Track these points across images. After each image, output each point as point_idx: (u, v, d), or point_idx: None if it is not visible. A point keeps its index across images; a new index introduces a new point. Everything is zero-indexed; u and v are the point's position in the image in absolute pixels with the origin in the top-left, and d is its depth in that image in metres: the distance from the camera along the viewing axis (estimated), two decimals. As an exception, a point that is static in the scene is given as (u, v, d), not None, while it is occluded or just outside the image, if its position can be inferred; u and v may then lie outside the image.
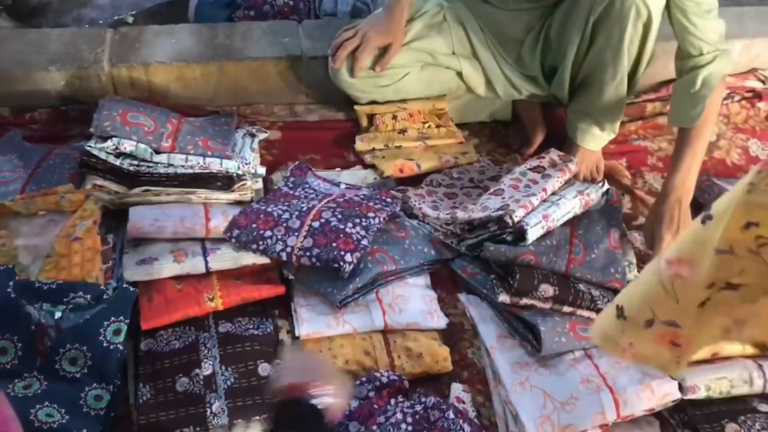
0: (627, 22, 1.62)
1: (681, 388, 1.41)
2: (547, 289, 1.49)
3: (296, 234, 1.53)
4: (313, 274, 1.54)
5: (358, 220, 1.57)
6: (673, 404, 1.41)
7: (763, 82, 2.29)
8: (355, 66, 1.84)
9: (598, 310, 1.51)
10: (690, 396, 1.41)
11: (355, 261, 1.50)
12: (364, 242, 1.54)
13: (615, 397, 1.38)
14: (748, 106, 2.25)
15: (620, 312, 1.03)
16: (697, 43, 1.62)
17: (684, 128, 1.66)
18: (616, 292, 1.56)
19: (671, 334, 1.00)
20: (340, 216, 1.57)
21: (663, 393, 1.40)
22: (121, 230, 1.57)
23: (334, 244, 1.51)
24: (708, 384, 1.41)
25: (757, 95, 2.27)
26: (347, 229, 1.54)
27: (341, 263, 1.49)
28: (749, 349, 1.49)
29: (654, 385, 1.40)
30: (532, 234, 1.57)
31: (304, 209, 1.59)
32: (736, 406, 1.41)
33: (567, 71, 1.80)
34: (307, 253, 1.50)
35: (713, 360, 1.48)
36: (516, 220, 1.58)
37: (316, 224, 1.55)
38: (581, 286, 1.53)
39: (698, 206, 1.88)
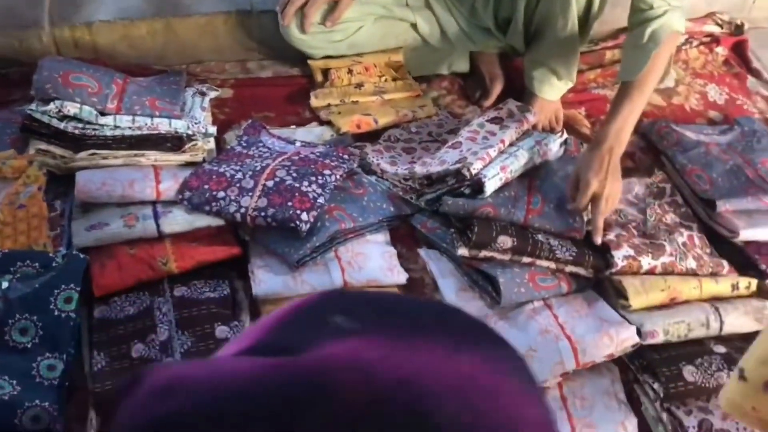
0: None
1: (640, 333, 1.42)
2: (506, 241, 1.48)
3: (250, 194, 1.49)
4: (269, 235, 1.51)
5: (314, 178, 1.54)
6: (633, 349, 1.42)
7: (720, 26, 2.29)
8: (305, 22, 1.79)
9: (557, 260, 1.50)
10: (649, 341, 1.42)
11: (311, 220, 1.47)
12: (321, 200, 1.51)
13: (573, 346, 1.39)
14: (707, 51, 2.24)
15: (741, 373, 1.01)
16: None
17: (626, 83, 1.64)
18: (575, 241, 1.56)
19: None
20: (295, 174, 1.54)
21: (622, 339, 1.41)
22: (69, 196, 1.53)
23: (289, 203, 1.48)
24: (666, 328, 1.43)
25: (715, 40, 2.26)
26: (303, 188, 1.51)
27: (298, 222, 1.46)
28: (706, 293, 1.51)
29: (612, 331, 1.41)
30: (490, 186, 1.55)
31: (258, 168, 1.55)
32: (693, 348, 1.43)
33: (519, 22, 1.77)
34: (262, 213, 1.47)
35: (671, 304, 1.49)
36: (474, 172, 1.56)
37: (270, 183, 1.51)
38: (540, 237, 1.53)
39: (656, 152, 1.89)
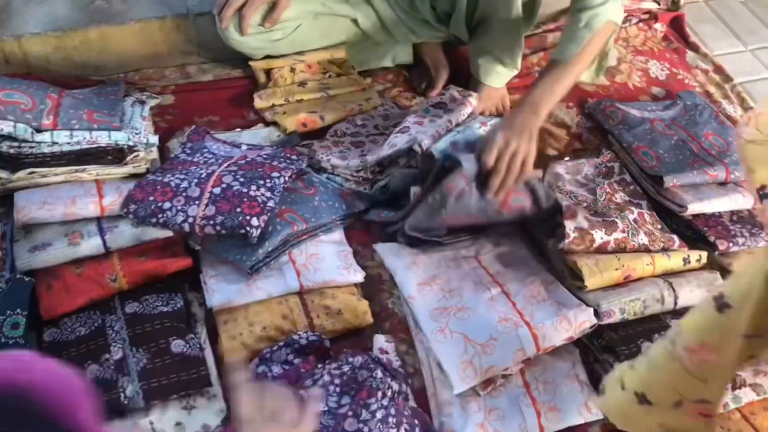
0: None
1: (597, 314, 1.43)
2: (459, 180, 1.49)
3: (197, 203, 1.46)
4: (220, 243, 1.48)
5: (262, 182, 1.52)
6: (591, 330, 1.44)
7: (658, 2, 2.32)
8: (242, 23, 1.75)
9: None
10: (606, 320, 1.43)
11: (262, 224, 1.45)
12: (271, 204, 1.49)
13: (533, 332, 1.39)
14: (646, 29, 2.27)
15: (642, 398, 1.09)
16: None
17: (556, 61, 1.65)
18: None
19: (702, 408, 1.07)
20: (242, 179, 1.51)
21: (580, 321, 1.42)
22: (9, 217, 1.47)
23: (238, 209, 1.45)
24: (622, 307, 1.44)
25: (653, 16, 2.29)
26: (251, 192, 1.48)
27: (248, 228, 1.43)
28: (659, 269, 1.53)
29: (570, 314, 1.42)
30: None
31: (204, 176, 1.52)
32: (650, 324, 1.45)
33: (462, 12, 1.77)
34: (211, 222, 1.44)
35: (626, 282, 1.50)
36: (425, 147, 1.56)
37: (217, 190, 1.48)
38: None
39: (603, 132, 1.91)
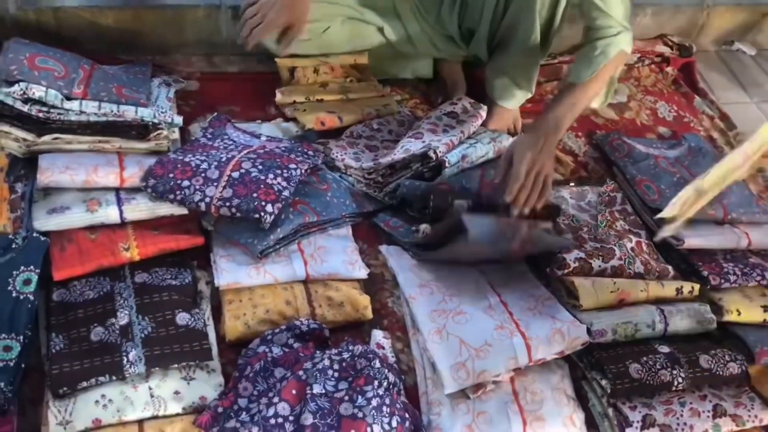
0: None
1: (589, 332, 1.48)
2: (462, 204, 1.56)
3: (215, 184, 1.50)
4: (232, 225, 1.52)
5: (279, 171, 1.56)
6: (582, 347, 1.48)
7: (671, 47, 2.39)
8: (249, 43, 1.71)
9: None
10: (598, 339, 1.48)
11: (276, 212, 1.49)
12: (286, 193, 1.53)
13: (527, 342, 1.44)
14: (657, 71, 2.35)
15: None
16: (604, 18, 1.67)
17: (572, 84, 1.71)
18: None
19: None
20: (260, 167, 1.56)
21: (573, 337, 1.46)
22: (30, 179, 1.51)
23: (254, 195, 1.49)
24: (614, 328, 1.49)
25: (665, 60, 2.37)
26: (268, 180, 1.53)
27: (262, 214, 1.48)
28: (652, 296, 1.58)
29: (564, 330, 1.46)
30: (449, 171, 1.64)
31: (224, 159, 1.56)
32: (639, 348, 1.49)
33: (484, 32, 1.83)
34: (227, 204, 1.48)
35: (620, 306, 1.55)
36: (439, 155, 1.62)
37: (235, 174, 1.53)
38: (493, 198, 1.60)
39: (609, 163, 1.97)
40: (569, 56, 2.26)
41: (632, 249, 1.66)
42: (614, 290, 1.55)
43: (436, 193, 1.58)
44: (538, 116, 1.72)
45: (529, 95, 1.92)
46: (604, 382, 1.44)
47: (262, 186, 1.51)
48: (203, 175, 1.52)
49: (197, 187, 1.50)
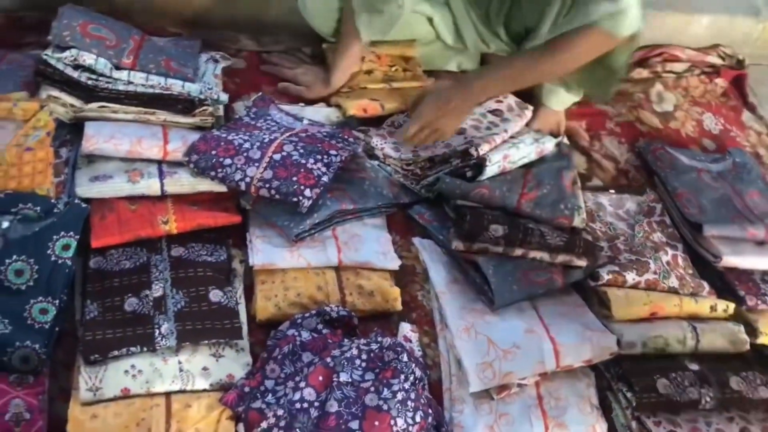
0: None
1: (619, 343, 1.47)
2: (497, 229, 1.52)
3: (257, 165, 1.51)
4: (270, 207, 1.53)
5: (319, 156, 1.56)
6: (610, 358, 1.47)
7: (723, 59, 2.35)
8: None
9: (548, 247, 1.54)
10: (627, 351, 1.47)
11: (314, 197, 1.50)
12: (325, 179, 1.53)
13: (556, 348, 1.43)
14: (707, 81, 2.30)
15: None
16: None
17: (524, 51, 1.60)
18: (563, 229, 1.60)
19: None
20: (301, 150, 1.56)
21: (602, 346, 1.45)
22: (76, 145, 1.53)
23: (294, 178, 1.50)
24: (645, 341, 1.48)
25: (716, 71, 2.32)
26: (308, 165, 1.53)
27: (300, 198, 1.48)
28: (685, 311, 1.56)
29: (594, 338, 1.45)
30: (490, 171, 1.60)
31: (266, 141, 1.57)
32: (668, 363, 1.48)
33: (542, 36, 1.78)
34: (267, 185, 1.49)
35: (651, 319, 1.54)
36: (481, 153, 1.59)
37: (277, 156, 1.53)
38: (531, 225, 1.57)
39: (650, 172, 1.94)
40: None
41: (668, 263, 1.63)
42: (647, 303, 1.53)
43: (473, 213, 1.54)
44: (471, 74, 1.64)
45: (578, 98, 1.90)
46: (629, 395, 1.43)
47: (302, 170, 1.51)
48: (245, 154, 1.52)
49: (239, 166, 1.50)
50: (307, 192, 1.49)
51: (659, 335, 1.49)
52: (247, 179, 1.49)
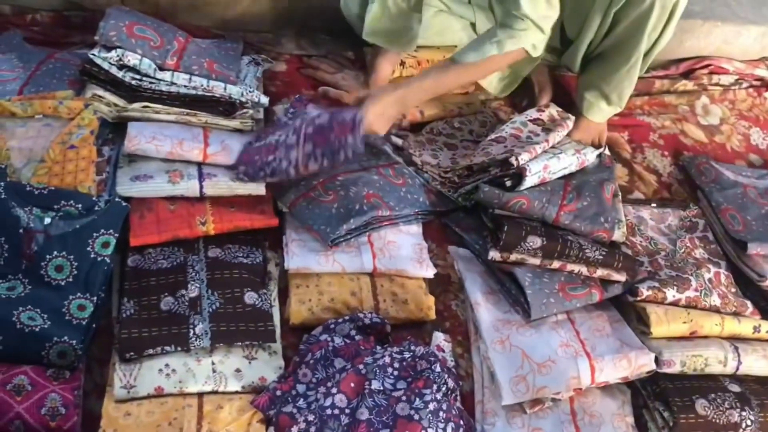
0: (651, 14, 1.60)
1: (657, 361, 1.44)
2: (535, 240, 1.49)
3: (295, 146, 1.52)
4: (308, 211, 1.53)
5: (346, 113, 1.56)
6: (648, 375, 1.44)
7: (772, 71, 2.29)
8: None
9: (587, 260, 1.51)
10: (665, 369, 1.44)
11: (357, 140, 1.50)
12: (360, 126, 1.52)
13: (592, 363, 1.40)
14: (755, 95, 2.25)
15: None
16: (516, 7, 1.52)
17: (451, 60, 1.62)
18: (603, 243, 1.57)
19: None
20: (329, 116, 1.56)
21: (639, 364, 1.42)
22: (118, 144, 1.55)
23: (332, 136, 1.51)
24: (684, 360, 1.44)
25: (765, 84, 2.27)
26: (339, 119, 1.53)
27: (346, 148, 1.50)
28: (727, 331, 1.52)
29: (632, 355, 1.42)
30: (530, 181, 1.57)
31: (297, 125, 1.56)
32: (707, 383, 1.44)
33: (582, 49, 1.77)
34: (312, 157, 1.51)
35: (691, 337, 1.50)
36: (521, 162, 1.57)
37: (309, 130, 1.53)
38: (569, 237, 1.54)
39: (694, 187, 1.90)
40: (663, 71, 2.20)
41: (710, 280, 1.60)
42: (687, 321, 1.50)
43: (511, 222, 1.52)
44: (399, 81, 1.66)
45: (619, 110, 1.86)
46: (666, 414, 1.40)
47: (335, 125, 1.52)
48: (284, 145, 1.53)
49: (281, 156, 1.51)
50: (350, 139, 1.50)
51: (699, 354, 1.45)
52: (293, 162, 1.51)
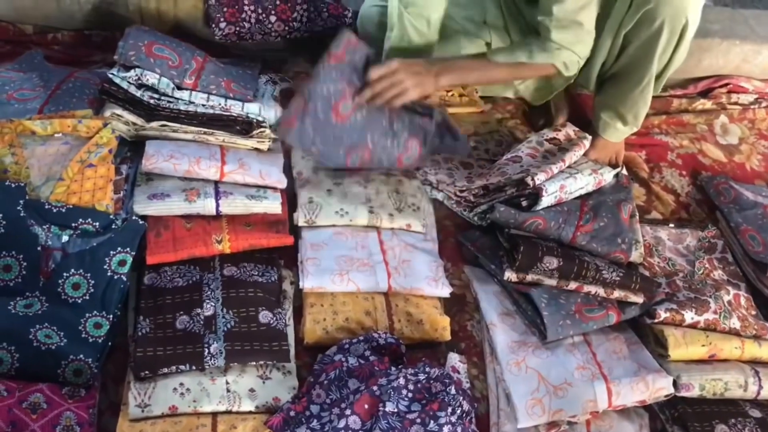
0: (661, 35, 1.61)
1: (676, 384, 1.42)
2: (552, 261, 1.48)
3: None
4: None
5: None
6: (666, 399, 1.42)
7: (793, 89, 2.27)
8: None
9: (604, 282, 1.50)
10: (684, 393, 1.42)
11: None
12: None
13: (609, 386, 1.39)
14: (775, 114, 2.23)
15: None
16: (556, 27, 1.57)
17: (485, 57, 1.66)
18: (620, 264, 1.55)
19: None
20: None
21: (657, 387, 1.41)
22: (135, 162, 1.56)
23: None
24: (703, 384, 1.42)
25: (785, 104, 2.25)
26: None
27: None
28: (747, 355, 1.50)
29: (649, 378, 1.41)
30: (546, 201, 1.57)
31: None
32: (728, 408, 1.42)
33: (595, 69, 1.78)
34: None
35: (710, 361, 1.48)
36: (537, 182, 1.56)
37: None
38: (586, 258, 1.53)
39: (712, 207, 1.88)
40: (681, 90, 2.18)
41: (729, 302, 1.58)
42: (706, 344, 1.48)
43: (527, 242, 1.51)
44: (438, 58, 1.69)
45: (635, 130, 1.85)
46: (687, 440, 1.38)
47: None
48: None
49: None
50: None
51: (719, 378, 1.43)
52: None
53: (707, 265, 1.69)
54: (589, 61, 1.77)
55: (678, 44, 1.65)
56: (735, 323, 1.53)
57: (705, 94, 2.21)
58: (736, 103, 2.21)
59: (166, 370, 1.28)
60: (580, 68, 1.70)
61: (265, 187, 1.56)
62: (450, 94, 1.97)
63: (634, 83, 1.72)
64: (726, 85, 2.22)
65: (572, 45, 1.60)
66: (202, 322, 1.36)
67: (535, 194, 1.57)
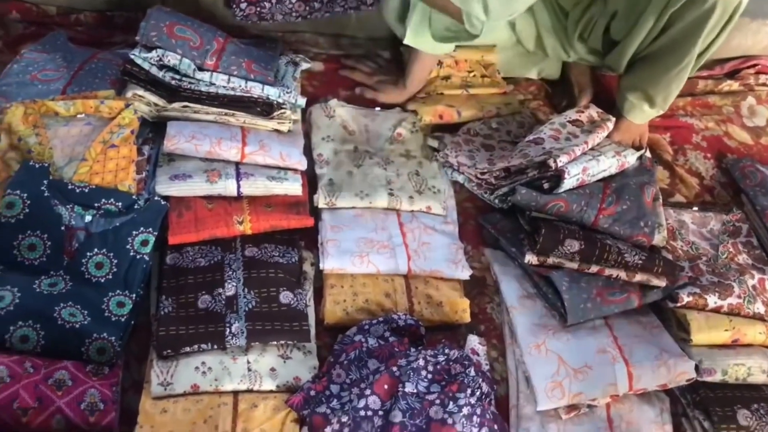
0: (712, 15, 1.54)
1: (698, 369, 1.41)
2: (573, 244, 1.47)
3: None
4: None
5: None
6: (687, 383, 1.41)
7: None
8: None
9: (626, 265, 1.49)
10: (706, 378, 1.41)
11: None
12: None
13: (630, 370, 1.38)
14: (804, 95, 2.18)
15: None
16: None
17: None
18: (642, 247, 1.54)
19: None
20: None
21: (678, 371, 1.40)
22: (157, 143, 1.57)
23: None
24: (725, 368, 1.41)
25: (814, 85, 2.20)
26: None
27: None
28: (771, 340, 1.49)
29: (671, 362, 1.40)
30: (568, 183, 1.55)
31: None
32: (750, 393, 1.41)
33: (630, 50, 1.71)
34: None
35: (733, 345, 1.47)
36: (559, 164, 1.55)
37: None
38: (608, 241, 1.52)
39: (737, 190, 1.85)
40: (707, 72, 2.14)
41: (753, 287, 1.56)
42: (729, 329, 1.46)
43: (548, 225, 1.50)
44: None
45: (662, 112, 1.82)
46: (707, 424, 1.37)
47: None
48: None
49: None
50: None
51: (742, 363, 1.42)
52: None
53: (731, 249, 1.67)
54: (625, 42, 1.71)
55: (726, 24, 1.60)
56: (759, 308, 1.52)
57: (732, 75, 2.17)
58: (764, 84, 2.17)
59: (188, 349, 1.30)
60: (481, 31, 1.56)
61: (286, 169, 1.56)
62: (472, 74, 1.95)
63: (672, 64, 1.66)
64: (754, 66, 2.17)
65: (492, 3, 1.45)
66: (223, 302, 1.37)
67: (557, 176, 1.56)
